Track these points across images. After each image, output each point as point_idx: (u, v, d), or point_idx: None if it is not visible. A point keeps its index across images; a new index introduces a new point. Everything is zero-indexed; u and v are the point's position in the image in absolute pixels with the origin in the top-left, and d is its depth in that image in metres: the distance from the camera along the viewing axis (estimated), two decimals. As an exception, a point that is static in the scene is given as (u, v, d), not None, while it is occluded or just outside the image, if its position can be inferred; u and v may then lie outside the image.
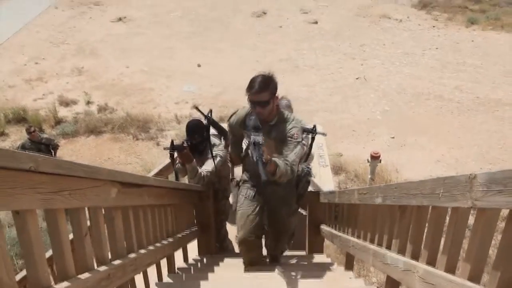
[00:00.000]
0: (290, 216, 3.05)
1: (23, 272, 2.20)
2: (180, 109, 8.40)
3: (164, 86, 9.34)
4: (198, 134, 3.33)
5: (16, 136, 7.62)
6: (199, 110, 3.65)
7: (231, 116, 3.00)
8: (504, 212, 1.06)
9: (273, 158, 2.49)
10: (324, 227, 3.31)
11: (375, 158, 5.99)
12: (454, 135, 7.51)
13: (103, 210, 1.51)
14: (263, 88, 2.59)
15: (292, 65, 9.95)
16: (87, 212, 1.34)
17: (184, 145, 3.18)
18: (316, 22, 12.36)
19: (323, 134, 3.81)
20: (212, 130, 3.62)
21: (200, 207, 3.38)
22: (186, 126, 3.42)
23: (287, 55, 10.41)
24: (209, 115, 3.48)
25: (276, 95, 2.70)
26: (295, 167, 2.67)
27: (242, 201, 2.98)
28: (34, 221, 1.03)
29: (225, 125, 3.51)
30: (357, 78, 9.35)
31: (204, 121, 3.42)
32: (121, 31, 12.07)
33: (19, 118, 8.07)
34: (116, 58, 10.55)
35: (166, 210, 2.46)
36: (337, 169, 6.62)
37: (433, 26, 12.15)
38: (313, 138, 3.47)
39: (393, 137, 7.48)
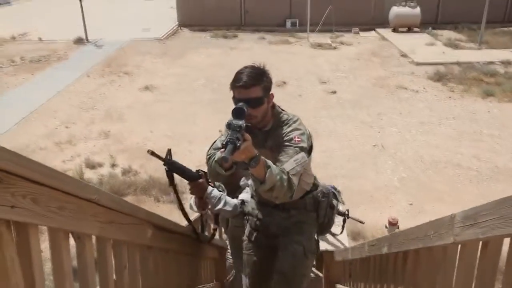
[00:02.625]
0: (307, 256, 2.38)
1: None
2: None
3: (186, 150, 9.66)
4: None
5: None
6: (155, 155, 2.86)
7: None
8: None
9: (263, 157, 1.85)
10: (339, 286, 3.37)
11: (393, 224, 6.03)
12: (473, 203, 7.38)
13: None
14: (254, 81, 2.05)
15: (311, 132, 10.24)
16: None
17: (201, 173, 2.67)
18: (334, 92, 12.81)
19: (361, 221, 3.76)
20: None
21: (220, 262, 3.49)
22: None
23: (306, 122, 10.69)
24: (168, 157, 2.82)
25: (271, 93, 2.17)
26: (295, 179, 1.98)
27: (246, 244, 2.52)
28: (91, 247, 1.21)
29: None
30: (374, 145, 9.55)
31: (164, 167, 2.78)
32: (147, 98, 12.69)
33: (47, 178, 8.39)
34: (141, 123, 11.03)
35: (190, 261, 2.60)
36: (354, 235, 6.64)
37: (449, 97, 12.45)
38: (344, 220, 3.33)
39: (411, 204, 7.51)
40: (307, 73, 14.59)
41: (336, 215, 2.70)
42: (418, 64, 15.33)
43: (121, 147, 9.85)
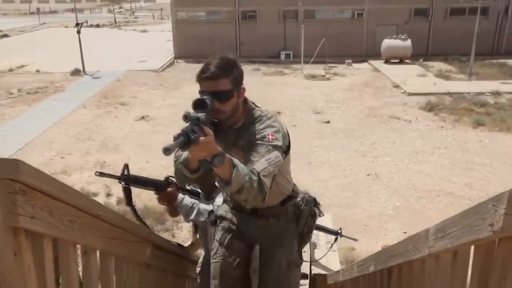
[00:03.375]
0: (291, 269, 2.21)
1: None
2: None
3: (182, 180, 9.72)
4: None
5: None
6: (105, 175, 2.57)
7: None
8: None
9: (228, 155, 1.65)
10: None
11: (387, 252, 6.08)
12: (466, 231, 7.56)
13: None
14: (222, 71, 1.86)
15: (305, 162, 10.34)
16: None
17: (170, 181, 2.44)
18: (328, 122, 13.00)
19: (354, 239, 3.64)
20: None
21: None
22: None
23: (300, 152, 10.84)
24: (125, 174, 2.49)
25: (242, 86, 1.98)
26: (267, 180, 1.78)
27: (216, 249, 2.23)
28: (95, 262, 1.29)
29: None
30: (368, 175, 9.65)
31: (120, 184, 2.48)
32: (143, 129, 12.82)
33: (42, 208, 8.42)
34: (137, 153, 11.11)
35: (186, 283, 2.66)
36: (349, 263, 6.65)
37: (441, 127, 12.66)
38: (336, 239, 3.15)
39: (405, 232, 7.54)
40: (301, 103, 14.83)
41: (328, 234, 2.53)
42: (410, 94, 15.63)
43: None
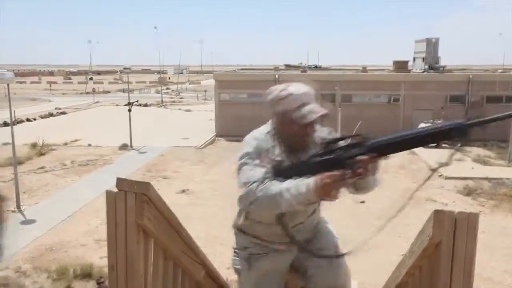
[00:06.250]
0: None
1: None
2: (230, 274, 8.90)
3: (218, 252, 9.99)
4: None
5: (81, 290, 8.33)
6: None
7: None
8: None
9: None
10: None
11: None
12: (505, 318, 7.37)
13: None
14: None
15: (340, 242, 10.45)
16: None
17: None
18: (363, 202, 13.16)
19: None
20: None
21: None
22: None
23: (335, 230, 10.99)
24: None
25: None
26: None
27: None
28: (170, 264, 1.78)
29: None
30: (402, 255, 9.62)
31: None
32: (183, 202, 13.38)
33: (86, 273, 8.88)
34: (176, 225, 11.56)
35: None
36: None
37: (480, 211, 12.52)
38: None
39: (440, 316, 7.44)
40: (337, 183, 15.10)
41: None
42: (447, 178, 15.66)
43: (156, 247, 10.29)
